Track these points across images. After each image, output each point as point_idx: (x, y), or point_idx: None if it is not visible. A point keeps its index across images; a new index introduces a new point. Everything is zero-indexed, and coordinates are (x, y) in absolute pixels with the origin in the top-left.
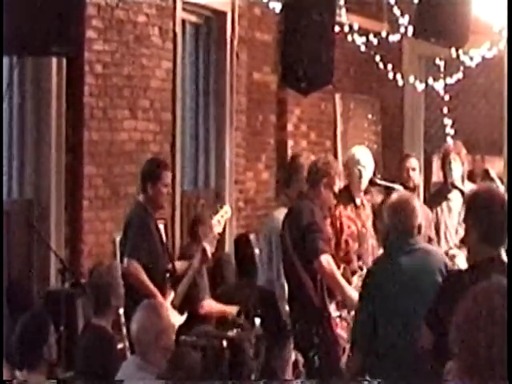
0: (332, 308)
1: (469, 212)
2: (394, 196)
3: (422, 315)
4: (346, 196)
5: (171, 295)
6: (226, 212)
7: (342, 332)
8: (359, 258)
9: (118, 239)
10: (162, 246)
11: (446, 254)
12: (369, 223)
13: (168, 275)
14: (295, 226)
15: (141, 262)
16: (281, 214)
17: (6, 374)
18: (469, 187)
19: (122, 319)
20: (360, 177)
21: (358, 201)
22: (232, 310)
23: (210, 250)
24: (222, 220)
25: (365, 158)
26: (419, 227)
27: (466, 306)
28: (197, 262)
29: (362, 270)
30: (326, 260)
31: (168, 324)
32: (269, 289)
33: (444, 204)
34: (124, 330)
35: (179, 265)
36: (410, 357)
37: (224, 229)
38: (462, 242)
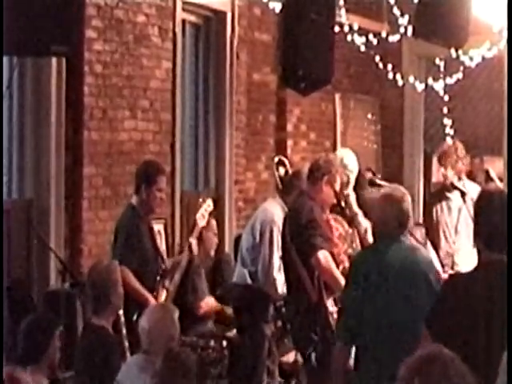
0: (329, 304)
1: (475, 213)
2: (388, 189)
3: (404, 309)
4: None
5: (163, 294)
6: (208, 205)
7: None
8: (350, 258)
9: None
10: (153, 247)
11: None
12: (354, 222)
13: (160, 275)
14: (294, 222)
15: (131, 267)
16: (270, 205)
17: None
18: (469, 186)
19: (122, 319)
20: (347, 182)
21: (343, 202)
22: (225, 308)
23: (195, 245)
24: (205, 214)
25: (352, 163)
26: (408, 223)
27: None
28: (184, 258)
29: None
30: (324, 256)
31: (178, 329)
32: (246, 283)
33: (444, 203)
34: (124, 330)
35: (168, 262)
36: (391, 347)
37: (219, 228)
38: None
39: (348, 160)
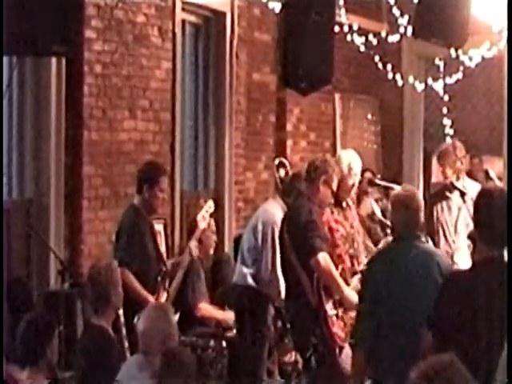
0: (329, 307)
1: (474, 211)
2: (401, 190)
3: (420, 314)
4: (334, 201)
5: (164, 296)
6: (210, 207)
7: (338, 331)
8: (351, 258)
9: None
10: (155, 248)
11: (447, 252)
12: (356, 222)
13: (161, 276)
14: (293, 224)
15: (131, 268)
16: (270, 206)
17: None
18: (469, 185)
19: (122, 319)
20: (353, 185)
21: (344, 204)
22: (227, 317)
23: (195, 247)
24: (206, 215)
25: (357, 166)
26: (418, 222)
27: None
28: (185, 259)
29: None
30: (323, 258)
31: (175, 328)
32: (246, 284)
33: (444, 203)
34: (124, 331)
35: (169, 263)
36: (410, 355)
37: (219, 228)
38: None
39: (354, 164)
